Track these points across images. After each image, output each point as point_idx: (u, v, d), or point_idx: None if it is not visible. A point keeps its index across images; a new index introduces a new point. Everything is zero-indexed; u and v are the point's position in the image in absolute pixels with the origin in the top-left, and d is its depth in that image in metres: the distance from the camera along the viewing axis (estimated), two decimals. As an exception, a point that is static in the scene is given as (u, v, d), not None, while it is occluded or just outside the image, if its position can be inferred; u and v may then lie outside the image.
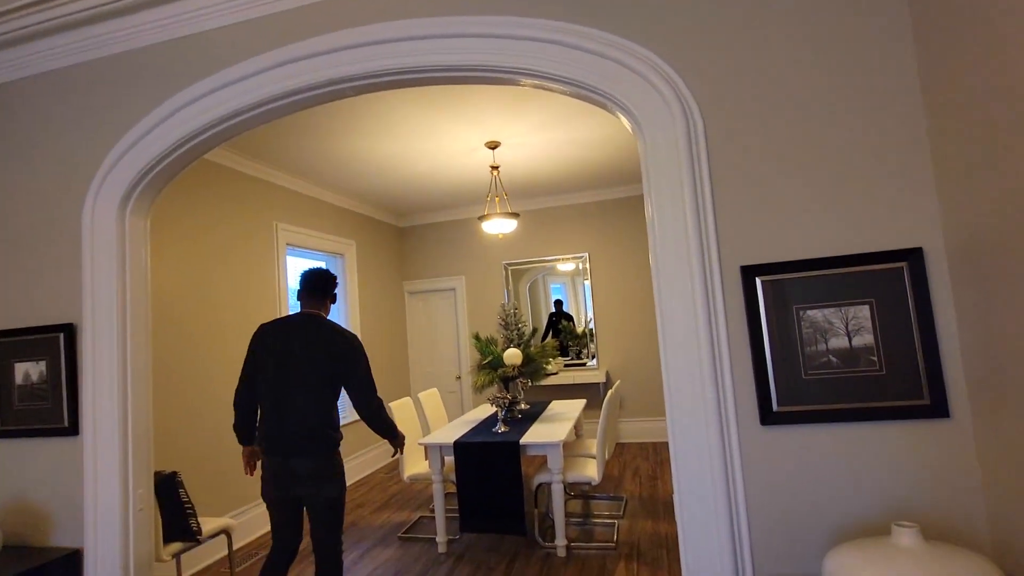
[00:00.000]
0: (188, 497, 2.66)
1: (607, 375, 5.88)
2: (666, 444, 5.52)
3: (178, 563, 3.02)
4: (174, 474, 2.61)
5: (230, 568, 2.91)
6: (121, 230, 2.30)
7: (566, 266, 6.13)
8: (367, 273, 5.74)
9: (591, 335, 6.00)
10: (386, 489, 4.70)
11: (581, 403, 4.27)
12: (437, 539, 3.31)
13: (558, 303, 6.21)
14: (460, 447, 3.20)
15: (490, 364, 3.71)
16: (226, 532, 2.87)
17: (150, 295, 2.40)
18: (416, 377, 6.53)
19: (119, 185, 2.26)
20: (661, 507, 3.79)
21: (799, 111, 1.51)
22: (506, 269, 6.27)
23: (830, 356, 1.46)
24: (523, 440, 3.14)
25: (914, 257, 1.41)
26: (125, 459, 2.21)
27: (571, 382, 5.73)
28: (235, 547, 3.55)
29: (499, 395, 3.41)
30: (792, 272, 1.49)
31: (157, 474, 2.61)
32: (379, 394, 2.40)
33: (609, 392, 3.40)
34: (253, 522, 3.77)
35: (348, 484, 4.84)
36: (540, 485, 3.24)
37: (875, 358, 1.42)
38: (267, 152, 3.97)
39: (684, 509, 1.55)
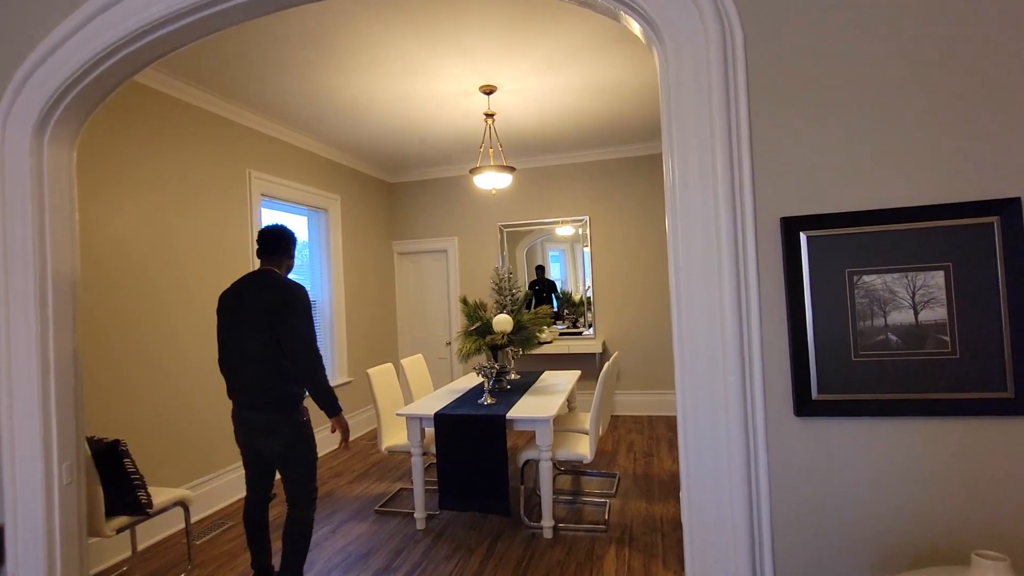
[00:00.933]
0: (135, 467, 2.41)
1: (604, 345, 5.62)
2: (663, 418, 5.31)
3: (133, 536, 2.79)
4: (116, 442, 2.34)
5: (187, 542, 2.69)
6: (38, 162, 1.96)
7: (565, 230, 5.79)
8: (353, 231, 5.40)
9: (588, 303, 5.71)
10: (367, 458, 4.49)
11: (575, 374, 4.01)
12: (415, 515, 3.09)
13: (539, 268, 5.87)
14: (441, 420, 2.95)
15: (478, 331, 3.42)
16: (183, 504, 2.64)
17: (78, 240, 2.08)
18: (404, 342, 6.27)
19: (32, 106, 1.91)
20: (656, 486, 3.57)
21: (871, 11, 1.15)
22: (502, 231, 5.93)
23: (888, 334, 1.16)
24: (510, 414, 2.88)
25: (1010, 211, 1.09)
26: (47, 427, 1.94)
27: (566, 351, 5.48)
28: (197, 518, 3.35)
29: (486, 364, 3.14)
30: (846, 226, 1.18)
31: (97, 442, 2.35)
32: (334, 359, 2.17)
33: (606, 364, 3.12)
34: (218, 492, 3.55)
35: (327, 451, 4.62)
36: (527, 462, 3.01)
37: (947, 338, 1.12)
38: (238, 90, 3.57)
39: (693, 511, 1.28)
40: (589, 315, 5.72)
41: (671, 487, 3.54)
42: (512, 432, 2.90)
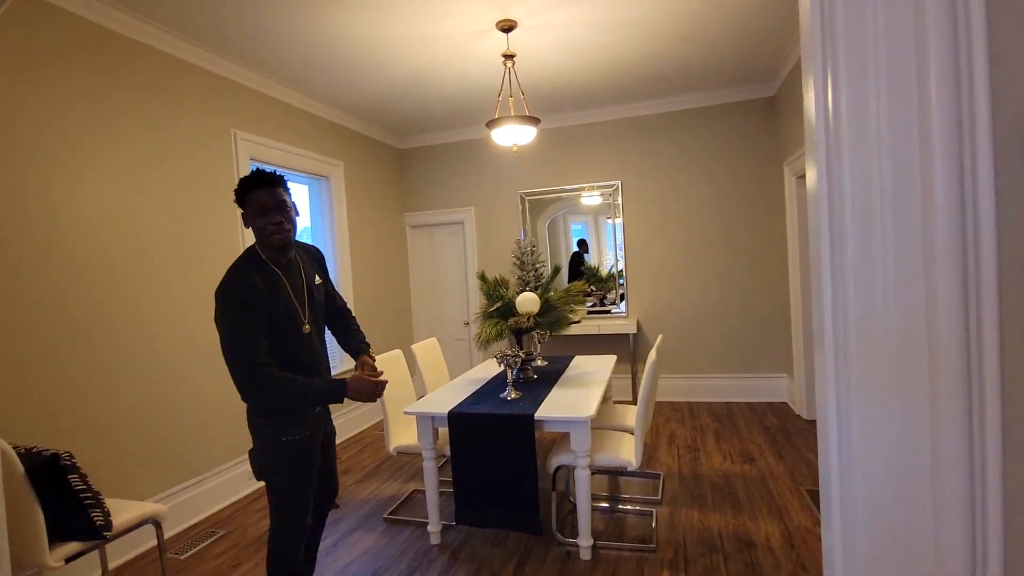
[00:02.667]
0: (85, 483, 1.98)
1: (639, 325, 5.07)
2: (705, 405, 4.77)
3: (103, 555, 2.41)
4: (56, 457, 1.91)
5: (161, 563, 2.29)
6: None
7: (591, 199, 5.19)
8: (359, 201, 4.89)
9: (619, 277, 5.14)
10: (378, 451, 4.08)
11: (611, 360, 3.49)
12: (429, 528, 2.65)
13: (582, 243, 5.32)
14: (457, 420, 2.47)
15: (499, 312, 2.91)
16: (154, 521, 2.23)
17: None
18: (420, 323, 5.82)
19: None
20: (708, 490, 3.07)
21: None
22: (523, 200, 5.36)
23: None
24: (539, 413, 2.38)
25: None
26: (-56, 447, 1.49)
27: (595, 332, 4.95)
28: (185, 526, 2.97)
29: (509, 353, 2.64)
30: None
31: (34, 456, 1.92)
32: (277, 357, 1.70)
33: (651, 354, 2.59)
34: (206, 496, 3.15)
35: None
36: (560, 468, 2.52)
37: None
38: (220, 36, 3.04)
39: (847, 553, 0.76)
40: (618, 291, 5.16)
41: (725, 492, 3.04)
42: (540, 431, 2.40)
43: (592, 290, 5.27)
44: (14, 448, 1.96)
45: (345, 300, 2.19)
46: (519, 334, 2.92)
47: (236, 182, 3.46)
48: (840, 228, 0.78)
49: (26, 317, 2.32)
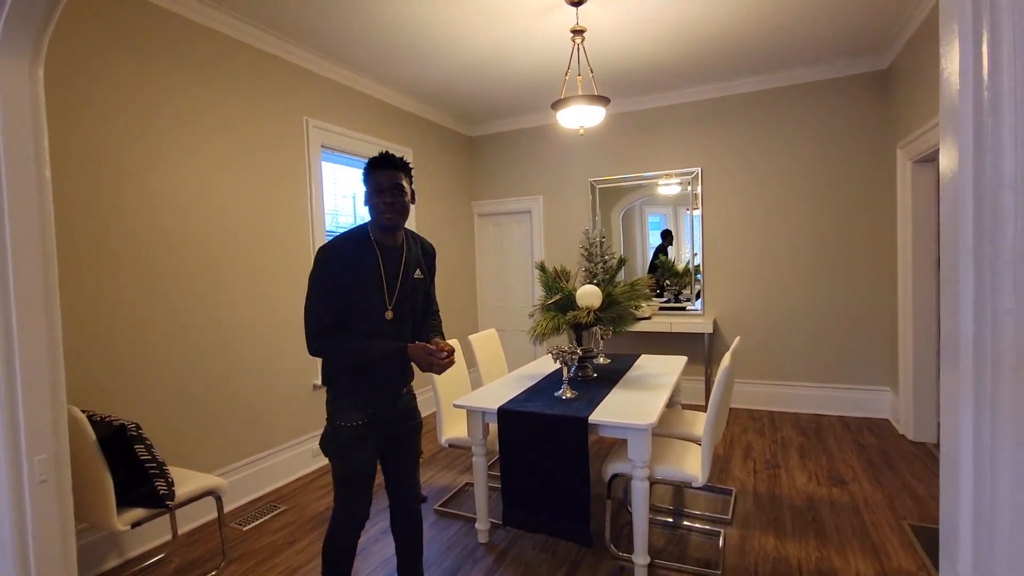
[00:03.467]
0: (151, 453, 2.08)
1: (715, 324, 4.69)
2: (790, 416, 4.32)
3: (172, 520, 2.55)
4: (123, 427, 2.01)
5: (220, 535, 2.37)
6: None
7: (669, 188, 4.84)
8: (427, 189, 4.89)
9: (696, 272, 4.77)
10: (436, 440, 4.07)
11: (680, 362, 3.21)
12: (477, 525, 2.56)
13: (666, 234, 4.94)
14: (506, 417, 2.34)
15: (557, 305, 2.74)
16: (214, 494, 2.31)
17: (47, 182, 1.68)
18: (485, 314, 5.77)
19: (-34, 5, 1.49)
20: (788, 513, 2.73)
21: None
22: (593, 189, 5.12)
23: None
24: (594, 416, 2.20)
25: None
26: (13, 410, 1.59)
27: (666, 330, 4.63)
28: (250, 499, 3.09)
29: (566, 349, 2.46)
30: None
31: (105, 425, 2.03)
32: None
33: (725, 358, 2.31)
34: (272, 471, 3.28)
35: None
36: (615, 477, 2.33)
37: None
38: (291, 24, 3.10)
39: None
40: (695, 287, 4.79)
41: (808, 517, 2.69)
42: (595, 436, 2.21)
43: (667, 284, 4.94)
44: (91, 415, 2.08)
45: (439, 308, 2.14)
46: (578, 329, 2.74)
47: (307, 168, 3.60)
48: (995, 211, 0.55)
49: (118, 298, 2.48)
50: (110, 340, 2.47)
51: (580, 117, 2.94)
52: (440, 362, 1.74)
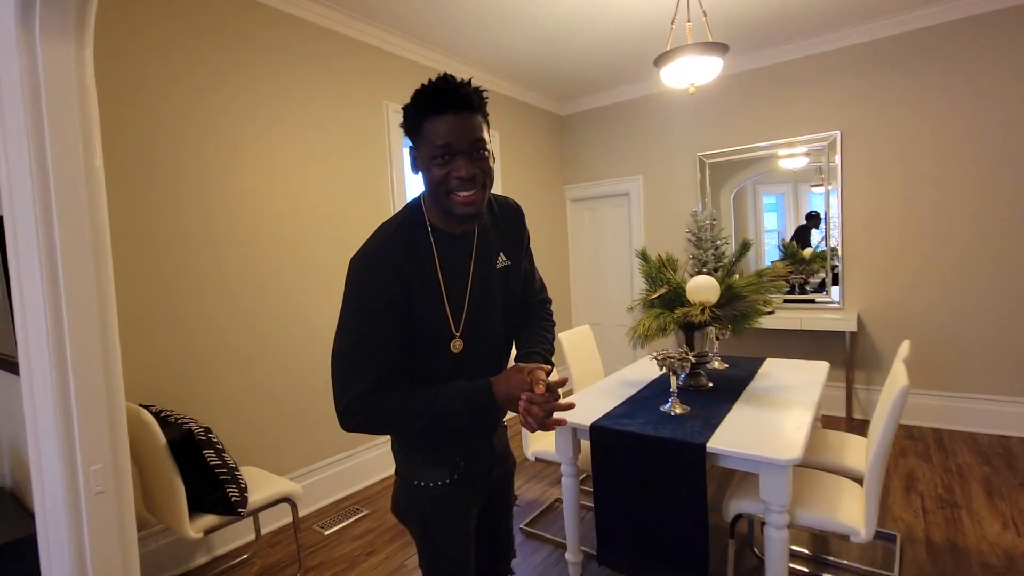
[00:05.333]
0: (222, 458, 1.97)
1: (859, 320, 3.88)
2: (965, 436, 3.44)
3: (256, 520, 2.49)
4: (190, 433, 1.91)
5: (295, 540, 2.25)
6: (30, 63, 1.45)
7: (792, 162, 4.08)
8: (515, 172, 4.58)
9: (831, 258, 3.98)
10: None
11: (821, 370, 2.59)
12: (568, 556, 2.20)
13: (812, 216, 4.14)
14: (601, 435, 1.95)
15: (662, 300, 2.28)
16: (288, 500, 2.19)
17: (99, 172, 1.56)
18: (579, 307, 5.36)
19: (1, -19, 1.38)
20: (979, 574, 2.06)
21: None
22: (702, 164, 4.48)
23: None
24: (715, 443, 1.73)
25: None
26: (67, 418, 1.49)
27: (795, 327, 3.91)
28: (331, 500, 3.00)
29: (673, 354, 2.00)
30: None
31: (176, 428, 1.95)
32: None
33: (895, 371, 1.72)
34: (355, 471, 3.16)
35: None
36: (739, 517, 1.85)
37: None
38: (371, 2, 2.91)
39: None
40: (829, 275, 4.00)
41: (1016, 585, 2.00)
42: (714, 462, 1.74)
43: (792, 274, 4.20)
44: (165, 415, 2.02)
45: (545, 287, 1.42)
46: (689, 329, 2.26)
47: (388, 156, 3.42)
48: None
49: (201, 293, 2.44)
50: (190, 337, 2.44)
51: (691, 72, 2.43)
52: (534, 412, 0.99)
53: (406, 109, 1.03)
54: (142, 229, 2.28)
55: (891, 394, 1.67)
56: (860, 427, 3.73)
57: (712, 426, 1.87)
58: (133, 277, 2.24)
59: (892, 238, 3.74)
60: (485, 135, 1.02)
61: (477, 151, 1.00)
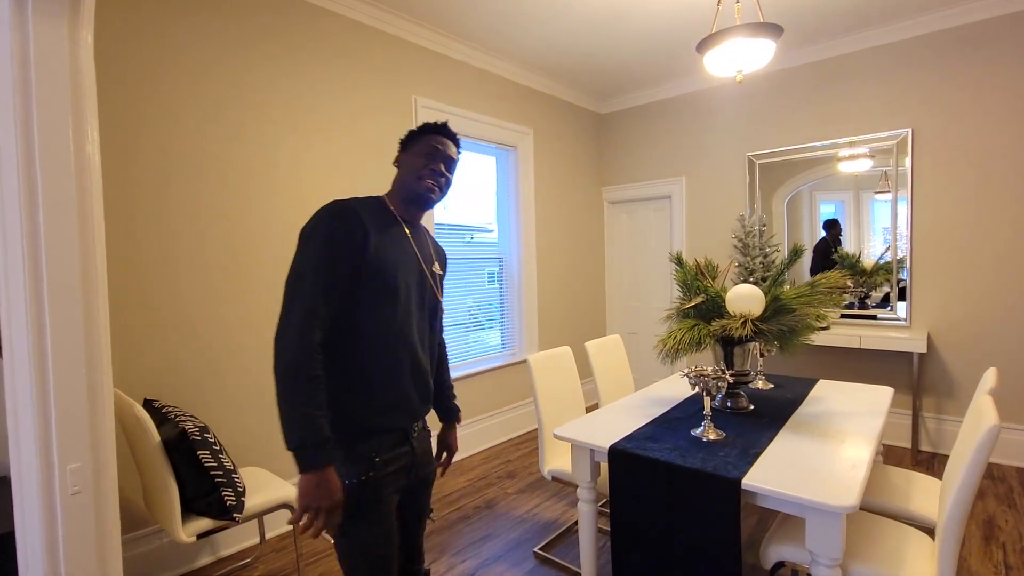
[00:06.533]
0: (218, 460, 1.88)
1: (929, 340, 3.47)
2: (1052, 479, 2.99)
3: (260, 524, 2.40)
4: (184, 434, 1.82)
5: (295, 548, 2.14)
6: (21, 39, 1.40)
7: (853, 164, 3.71)
8: (549, 173, 4.39)
9: (897, 269, 3.58)
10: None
11: (885, 396, 2.27)
12: (582, 588, 2.00)
13: (830, 224, 3.85)
14: (621, 459, 1.74)
15: (698, 310, 2.04)
16: (287, 506, 2.08)
17: (94, 159, 1.50)
18: (615, 315, 5.10)
19: (-14, -48, 1.33)
20: (1083, 657, 1.70)
21: None
22: (751, 165, 4.16)
23: None
24: (751, 479, 1.49)
25: None
26: (45, 413, 1.42)
27: (853, 345, 3.54)
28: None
29: (709, 372, 1.76)
30: None
31: (172, 426, 1.87)
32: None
33: (981, 406, 1.43)
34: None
35: (498, 441, 3.86)
36: (781, 564, 1.59)
37: None
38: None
39: None
40: (895, 289, 3.59)
41: None
42: (750, 500, 1.49)
43: (849, 285, 3.82)
44: (165, 411, 1.95)
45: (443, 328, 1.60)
46: (728, 344, 2.00)
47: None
48: None
49: (213, 292, 2.39)
50: (201, 334, 2.38)
51: (739, 57, 2.18)
52: (315, 522, 1.09)
53: (414, 129, 1.36)
54: (160, 226, 2.24)
55: (976, 432, 1.38)
56: (927, 462, 3.32)
57: (751, 457, 1.62)
58: (147, 272, 2.21)
59: (970, 247, 3.31)
60: (456, 159, 1.38)
61: (449, 165, 1.36)
